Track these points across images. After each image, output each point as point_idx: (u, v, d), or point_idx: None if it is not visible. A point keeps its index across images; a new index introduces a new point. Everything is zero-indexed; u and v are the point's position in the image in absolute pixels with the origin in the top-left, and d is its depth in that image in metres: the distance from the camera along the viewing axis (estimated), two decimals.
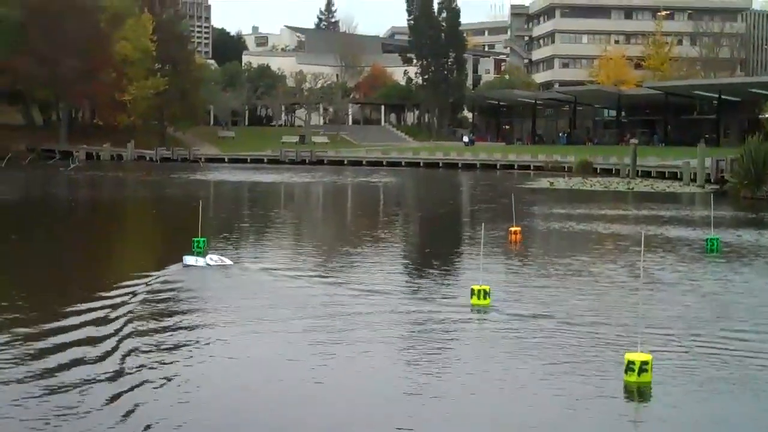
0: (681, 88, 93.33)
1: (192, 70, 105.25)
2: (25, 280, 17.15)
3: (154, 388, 9.26)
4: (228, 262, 18.26)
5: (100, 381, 9.54)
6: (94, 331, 11.97)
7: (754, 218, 31.79)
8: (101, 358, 10.50)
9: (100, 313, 13.07)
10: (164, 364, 10.23)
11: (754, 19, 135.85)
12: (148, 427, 8.05)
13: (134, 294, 14.67)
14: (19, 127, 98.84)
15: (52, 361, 10.32)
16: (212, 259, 18.21)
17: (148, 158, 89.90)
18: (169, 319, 12.82)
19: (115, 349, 10.95)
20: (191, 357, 10.61)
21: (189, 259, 18.15)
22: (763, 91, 76.68)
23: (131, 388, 9.22)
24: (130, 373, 9.84)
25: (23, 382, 9.47)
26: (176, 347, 11.12)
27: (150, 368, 10.02)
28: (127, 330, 12.00)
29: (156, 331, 12.05)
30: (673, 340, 11.44)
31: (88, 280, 17.02)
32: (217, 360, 10.53)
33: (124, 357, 10.56)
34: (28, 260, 19.75)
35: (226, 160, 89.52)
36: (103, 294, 14.58)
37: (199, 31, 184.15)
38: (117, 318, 12.78)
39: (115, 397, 8.92)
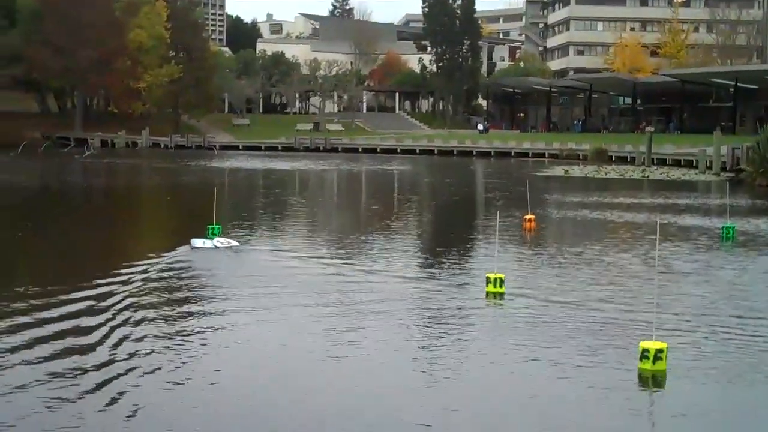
0: (697, 76, 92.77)
1: (206, 57, 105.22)
2: (37, 263, 17.41)
3: (143, 362, 9.35)
4: (235, 243, 18.67)
5: (84, 353, 9.88)
6: (95, 305, 12.47)
7: None
8: (93, 329, 11.01)
9: (105, 290, 13.58)
10: (158, 338, 10.38)
11: None
12: (136, 409, 8.13)
13: (140, 273, 15.10)
14: (35, 114, 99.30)
15: (50, 329, 11.03)
16: (219, 241, 18.63)
17: (162, 146, 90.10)
18: (169, 296, 13.20)
19: (110, 320, 11.47)
20: (187, 334, 10.78)
21: (197, 242, 18.56)
22: None
23: (117, 359, 9.37)
24: (119, 344, 10.19)
25: (24, 347, 10.09)
26: (173, 323, 11.38)
27: (140, 341, 10.17)
28: (125, 303, 12.59)
29: (154, 306, 12.49)
30: (688, 328, 11.42)
31: (98, 262, 17.31)
32: (215, 339, 10.61)
33: (115, 329, 11.06)
34: (40, 245, 19.94)
35: (240, 147, 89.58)
36: (110, 273, 15.02)
37: (213, 19, 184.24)
38: (119, 293, 13.29)
39: (102, 365, 9.27)
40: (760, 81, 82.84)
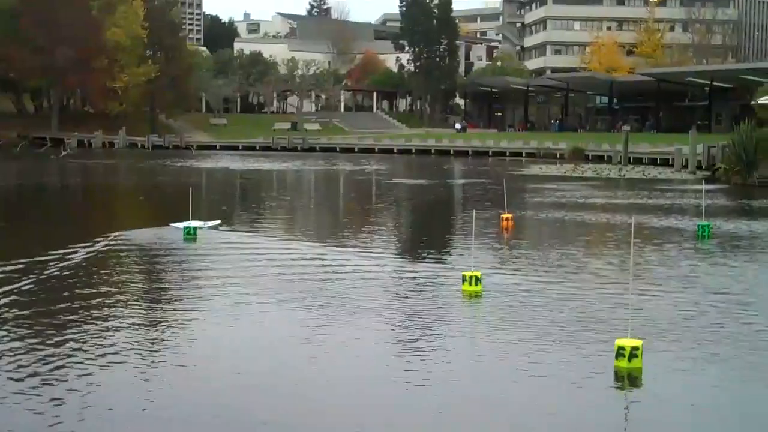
0: (673, 75, 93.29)
1: (184, 57, 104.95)
2: None
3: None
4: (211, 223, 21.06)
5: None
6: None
7: (745, 204, 31.86)
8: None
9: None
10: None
11: (746, 5, 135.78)
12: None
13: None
14: (11, 114, 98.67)
15: None
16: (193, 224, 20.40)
17: (139, 145, 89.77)
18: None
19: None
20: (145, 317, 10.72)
21: (176, 224, 20.70)
22: (755, 78, 76.69)
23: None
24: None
25: None
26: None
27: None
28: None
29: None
30: (664, 325, 11.48)
31: (40, 252, 17.18)
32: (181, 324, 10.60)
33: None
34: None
35: (218, 147, 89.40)
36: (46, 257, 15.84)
37: (190, 18, 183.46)
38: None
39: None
40: (735, 80, 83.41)
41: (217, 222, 22.22)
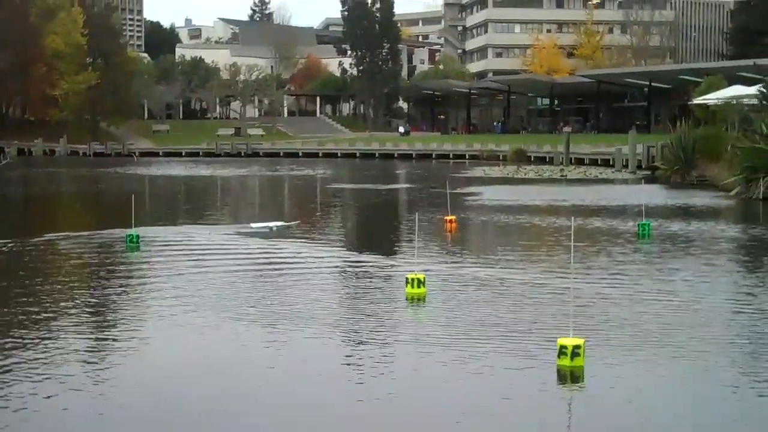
0: (612, 76, 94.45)
1: (124, 63, 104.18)
2: None
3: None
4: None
5: None
6: None
7: (684, 203, 32.31)
8: None
9: None
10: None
11: (682, 7, 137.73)
12: None
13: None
14: None
15: None
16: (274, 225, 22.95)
17: (81, 153, 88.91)
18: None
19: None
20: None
21: (255, 225, 23.01)
22: (692, 78, 77.80)
23: None
24: None
25: None
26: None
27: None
28: None
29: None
30: (605, 324, 11.63)
31: None
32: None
33: None
34: None
35: (160, 154, 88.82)
36: None
37: (131, 24, 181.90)
38: None
39: None
40: (673, 81, 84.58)
41: (297, 222, 24.25)
